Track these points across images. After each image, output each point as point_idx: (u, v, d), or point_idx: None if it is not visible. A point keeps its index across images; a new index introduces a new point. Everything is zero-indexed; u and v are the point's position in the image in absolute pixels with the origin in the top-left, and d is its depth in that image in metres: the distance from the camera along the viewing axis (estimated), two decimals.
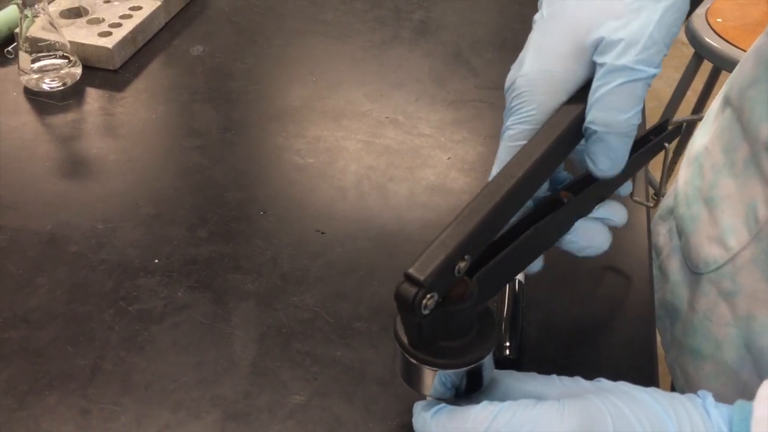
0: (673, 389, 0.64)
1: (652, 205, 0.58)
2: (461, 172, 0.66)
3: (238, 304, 0.54)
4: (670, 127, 0.50)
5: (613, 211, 0.47)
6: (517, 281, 0.54)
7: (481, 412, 0.37)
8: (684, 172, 0.66)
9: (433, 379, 0.38)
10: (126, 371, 0.49)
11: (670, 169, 2.02)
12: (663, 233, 0.69)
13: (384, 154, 0.67)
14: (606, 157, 0.39)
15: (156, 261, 0.57)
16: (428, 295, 0.34)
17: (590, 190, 0.44)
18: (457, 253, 0.34)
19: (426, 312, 0.34)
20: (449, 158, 0.67)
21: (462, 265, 0.35)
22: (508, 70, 0.43)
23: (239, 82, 0.76)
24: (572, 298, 0.56)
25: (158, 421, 0.46)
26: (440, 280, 0.34)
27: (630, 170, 0.46)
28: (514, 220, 0.41)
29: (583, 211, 0.45)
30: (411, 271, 0.33)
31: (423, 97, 0.75)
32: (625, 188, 0.49)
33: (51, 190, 0.63)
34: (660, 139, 0.50)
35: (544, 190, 0.44)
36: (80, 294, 0.54)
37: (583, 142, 0.41)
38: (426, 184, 0.65)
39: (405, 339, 0.38)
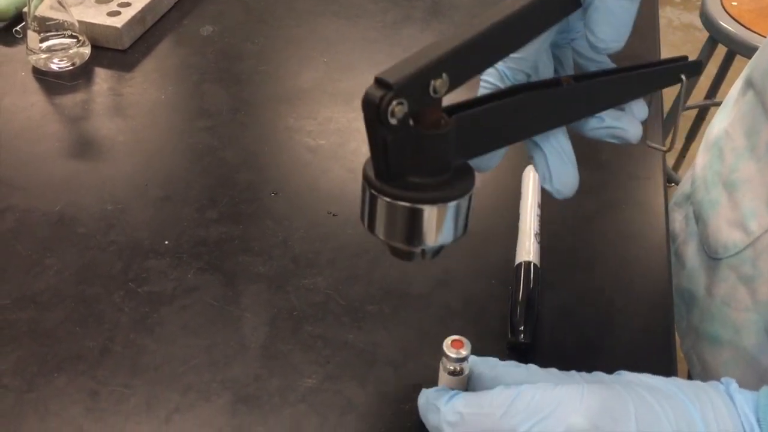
0: (689, 377, 0.63)
1: (665, 149, 0.54)
2: None
3: (248, 286, 0.53)
4: (682, 77, 0.45)
5: (625, 122, 0.42)
6: (532, 264, 0.53)
7: (498, 396, 0.36)
8: (702, 157, 0.65)
9: (396, 218, 0.34)
10: (135, 353, 0.49)
11: (684, 150, 2.00)
12: (679, 220, 0.68)
13: None
14: (607, 25, 0.36)
15: (166, 242, 0.56)
16: (396, 101, 0.31)
17: (594, 84, 0.41)
18: (434, 67, 0.32)
19: (393, 122, 0.31)
20: None
21: (438, 83, 0.32)
22: None
23: (249, 62, 0.75)
24: (588, 283, 0.55)
25: (168, 403, 0.46)
26: (412, 89, 0.31)
27: (641, 89, 0.43)
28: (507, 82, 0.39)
29: (582, 108, 0.42)
30: (380, 74, 0.31)
31: None
32: (641, 111, 0.44)
33: (59, 170, 0.62)
34: (677, 67, 0.45)
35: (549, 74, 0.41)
36: (89, 275, 0.53)
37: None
38: None
39: (372, 173, 0.34)
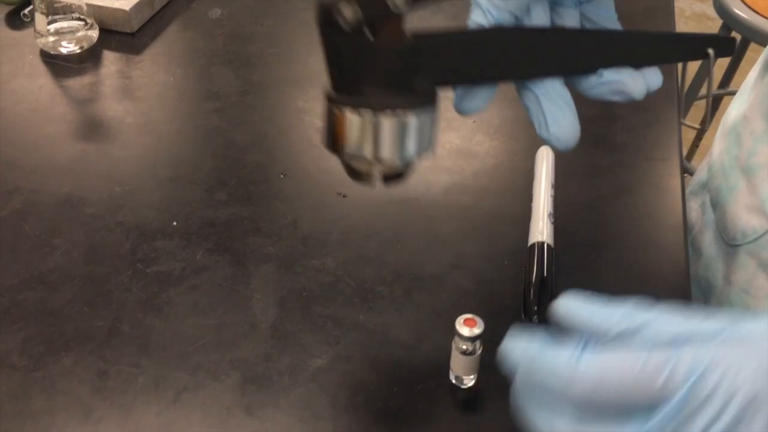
0: None
1: (699, 127, 0.50)
2: (487, 136, 0.64)
3: (257, 267, 0.52)
4: (710, 52, 0.42)
5: (627, 75, 0.39)
6: (545, 245, 0.52)
7: (648, 357, 0.28)
8: (719, 144, 0.63)
9: (352, 129, 0.34)
10: (144, 333, 0.48)
11: (696, 140, 1.97)
12: (695, 209, 0.66)
13: None
14: None
15: (174, 223, 0.55)
16: (346, 4, 0.31)
17: (593, 38, 0.39)
18: None
19: (345, 27, 0.32)
20: (474, 121, 0.65)
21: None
22: None
23: (258, 45, 0.75)
24: (603, 264, 0.54)
25: (177, 383, 0.45)
26: None
27: (655, 56, 0.41)
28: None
29: (578, 61, 0.39)
30: None
31: None
32: (654, 79, 0.41)
33: (67, 152, 0.61)
34: (703, 39, 0.42)
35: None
36: (97, 256, 0.53)
37: None
38: (450, 147, 0.63)
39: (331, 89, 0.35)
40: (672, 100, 0.67)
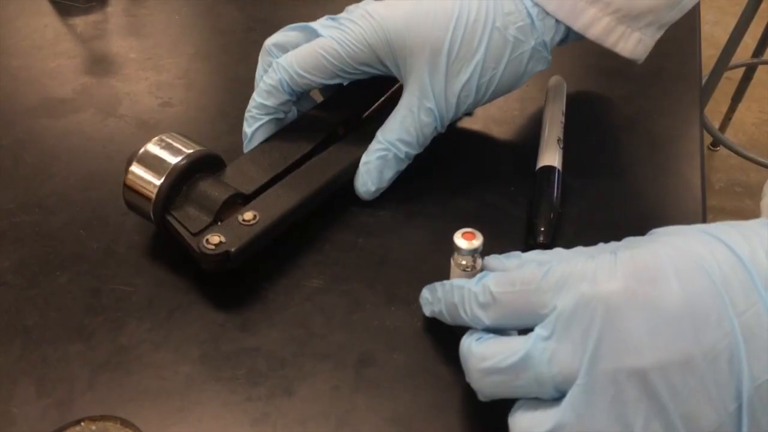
0: None
1: None
2: None
3: None
4: None
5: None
6: (554, 169, 0.50)
7: (530, 273, 0.34)
8: None
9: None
10: (139, 254, 0.47)
11: (729, 112, 1.90)
12: None
13: None
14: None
15: None
16: None
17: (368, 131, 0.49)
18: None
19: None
20: None
21: None
22: None
23: None
24: (614, 191, 0.51)
25: (170, 301, 0.44)
26: None
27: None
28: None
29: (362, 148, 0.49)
30: None
31: None
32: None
33: (69, 85, 0.61)
34: None
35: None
36: (96, 182, 0.52)
37: None
38: None
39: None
40: (693, 31, 0.64)
